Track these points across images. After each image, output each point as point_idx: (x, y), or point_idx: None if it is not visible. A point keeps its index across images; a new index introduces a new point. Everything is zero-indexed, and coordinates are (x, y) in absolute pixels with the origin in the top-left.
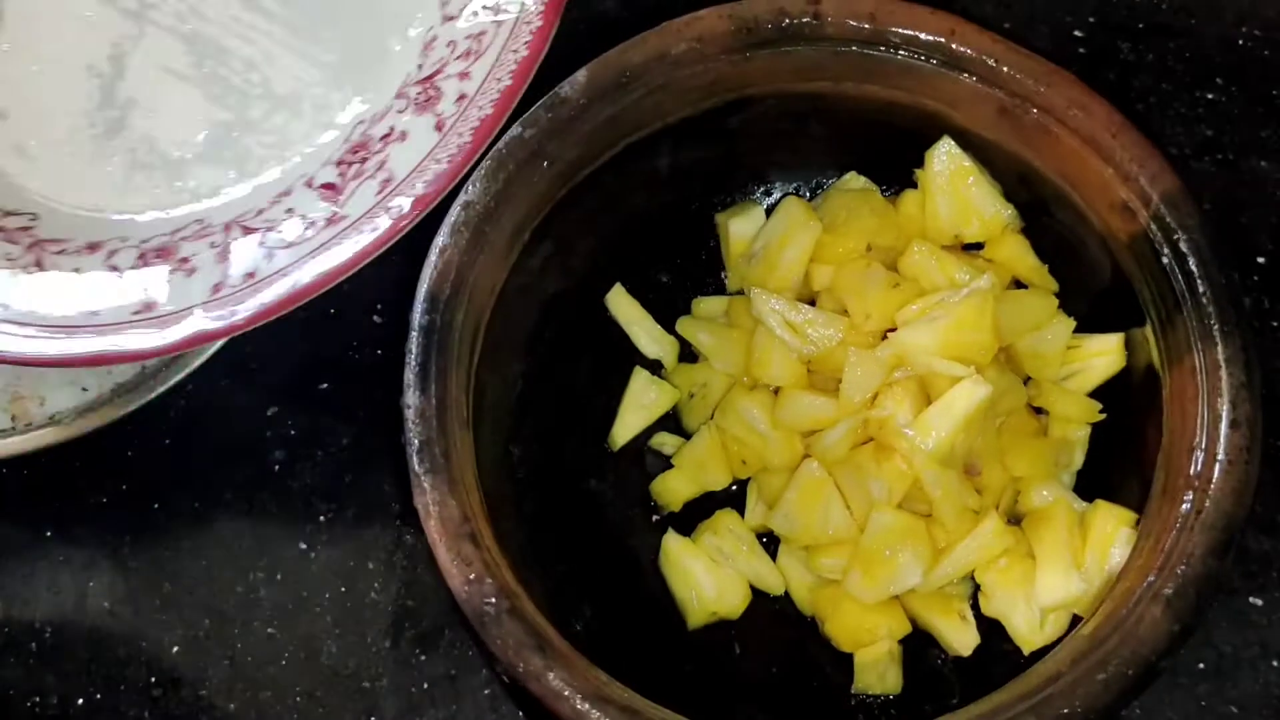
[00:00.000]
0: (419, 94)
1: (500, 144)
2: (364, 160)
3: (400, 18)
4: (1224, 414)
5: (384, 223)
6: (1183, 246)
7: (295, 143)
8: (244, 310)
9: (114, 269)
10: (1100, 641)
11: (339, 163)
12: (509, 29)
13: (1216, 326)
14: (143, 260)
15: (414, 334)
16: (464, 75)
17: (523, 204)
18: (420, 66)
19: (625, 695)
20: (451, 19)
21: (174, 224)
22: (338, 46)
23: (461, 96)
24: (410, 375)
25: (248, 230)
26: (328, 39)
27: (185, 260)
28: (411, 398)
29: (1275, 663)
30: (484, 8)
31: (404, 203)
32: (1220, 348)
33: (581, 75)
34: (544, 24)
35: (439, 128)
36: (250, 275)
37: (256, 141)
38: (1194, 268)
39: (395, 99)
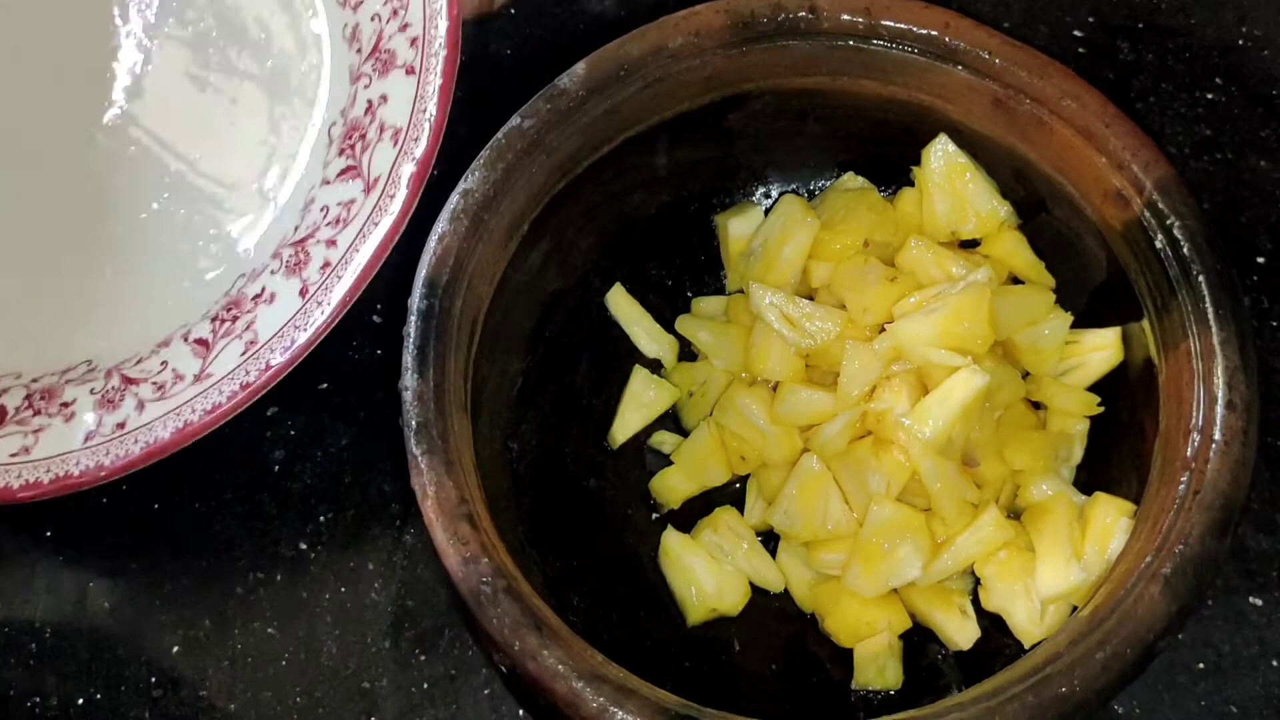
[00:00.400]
0: (291, 256)
1: (500, 134)
2: (235, 319)
3: (290, 174)
4: (1220, 396)
5: (242, 389)
6: (1176, 232)
7: (187, 288)
8: (110, 463)
9: (1, 409)
10: (1099, 622)
11: (214, 318)
12: (375, 199)
13: (1211, 310)
14: (28, 402)
15: (412, 318)
16: (331, 243)
17: (521, 194)
18: (297, 228)
19: (621, 675)
20: (328, 183)
21: (65, 363)
22: (232, 194)
23: (326, 264)
24: (408, 358)
25: (127, 380)
26: (229, 189)
27: (66, 405)
28: (409, 380)
29: (1275, 663)
30: (355, 176)
31: (262, 369)
32: (1215, 331)
33: (580, 67)
34: (407, 197)
35: (303, 293)
36: (120, 425)
37: (153, 282)
38: (1188, 253)
39: (271, 259)
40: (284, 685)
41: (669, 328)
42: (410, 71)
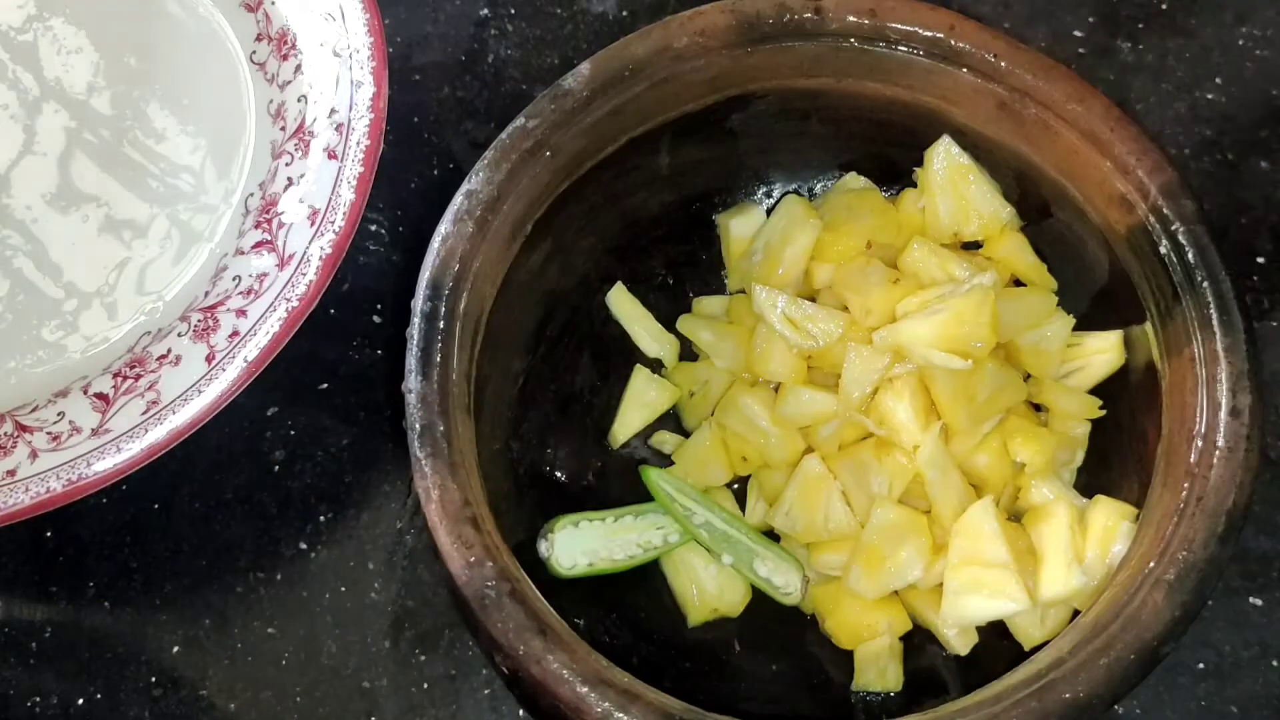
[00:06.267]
0: (199, 321)
1: (504, 134)
2: (138, 377)
3: (203, 237)
4: (1224, 402)
5: (141, 446)
6: (1181, 238)
7: (88, 337)
8: None
9: None
10: (1102, 627)
11: (116, 374)
12: (288, 276)
13: (1215, 316)
14: None
15: (416, 320)
16: (241, 313)
17: (525, 194)
18: (207, 293)
19: (625, 680)
20: (242, 253)
21: None
22: (139, 250)
23: (235, 333)
24: (412, 360)
25: (21, 427)
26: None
27: None
28: (414, 382)
29: (1275, 663)
30: (269, 250)
31: (162, 430)
32: (1219, 337)
33: (585, 67)
34: (318, 279)
35: (209, 359)
36: (11, 473)
37: (54, 327)
38: (1192, 259)
39: (179, 320)
40: (284, 685)
41: (670, 327)
42: (332, 156)
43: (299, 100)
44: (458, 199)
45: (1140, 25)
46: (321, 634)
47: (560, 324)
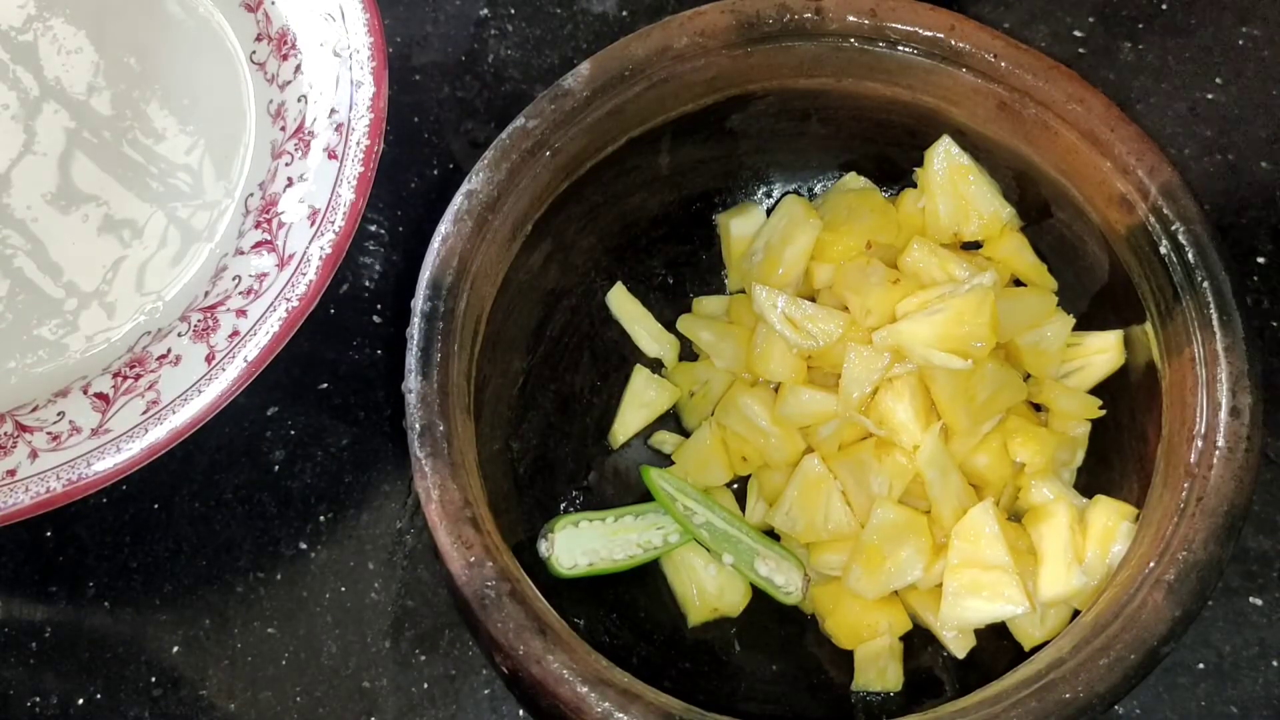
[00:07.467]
0: (199, 321)
1: (504, 134)
2: (138, 377)
3: (202, 237)
4: (1224, 402)
5: (141, 446)
6: (1181, 238)
7: (88, 336)
8: None
9: None
10: (1102, 627)
11: (116, 374)
12: (288, 276)
13: (1215, 316)
14: None
15: (416, 320)
16: (241, 313)
17: (525, 194)
18: (207, 293)
19: (625, 680)
20: (242, 253)
21: None
22: (139, 249)
23: (235, 333)
24: (412, 360)
25: (21, 427)
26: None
27: None
28: (413, 382)
29: (1275, 663)
30: (269, 250)
31: (162, 430)
32: (1219, 337)
33: (585, 67)
34: (318, 279)
35: (209, 359)
36: (11, 473)
37: (54, 326)
38: (1192, 259)
39: (179, 320)
40: (284, 685)
41: (670, 327)
42: (332, 155)
43: (299, 100)
44: (458, 199)
45: (1140, 25)
46: (321, 634)
47: (560, 324)
